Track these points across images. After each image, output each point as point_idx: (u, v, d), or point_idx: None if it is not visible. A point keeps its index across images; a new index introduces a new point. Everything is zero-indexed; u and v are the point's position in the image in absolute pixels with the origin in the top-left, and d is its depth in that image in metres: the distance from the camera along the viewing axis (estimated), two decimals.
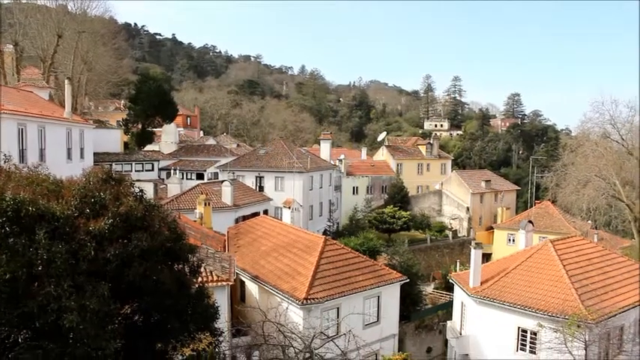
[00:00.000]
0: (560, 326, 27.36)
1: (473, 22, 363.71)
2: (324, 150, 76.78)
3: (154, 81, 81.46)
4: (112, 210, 13.94)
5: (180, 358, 16.41)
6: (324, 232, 59.61)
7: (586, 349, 25.89)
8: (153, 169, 68.80)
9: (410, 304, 45.87)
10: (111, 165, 56.63)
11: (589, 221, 67.49)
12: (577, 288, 31.13)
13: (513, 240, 67.28)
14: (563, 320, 27.97)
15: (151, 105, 74.34)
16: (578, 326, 26.24)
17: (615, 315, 29.64)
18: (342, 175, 78.06)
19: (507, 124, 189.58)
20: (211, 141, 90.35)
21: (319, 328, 24.04)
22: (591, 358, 26.08)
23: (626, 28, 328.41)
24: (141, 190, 15.79)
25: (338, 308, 29.78)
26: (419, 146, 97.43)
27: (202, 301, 16.53)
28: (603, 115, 65.78)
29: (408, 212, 72.65)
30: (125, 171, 58.12)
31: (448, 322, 40.92)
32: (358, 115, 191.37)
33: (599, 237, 62.85)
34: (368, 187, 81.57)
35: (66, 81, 50.13)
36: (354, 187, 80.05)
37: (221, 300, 25.44)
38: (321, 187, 68.12)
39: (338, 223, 74.41)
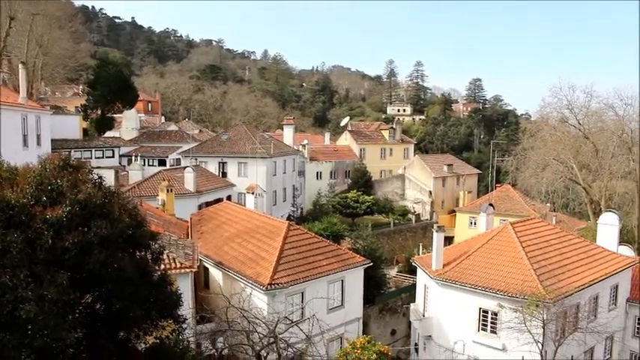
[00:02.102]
0: (519, 306, 28.03)
1: (435, 7, 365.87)
2: (287, 135, 76.59)
3: (114, 65, 79.71)
4: (69, 197, 13.61)
5: (143, 346, 16.22)
6: (288, 218, 59.61)
7: (544, 328, 26.59)
8: (113, 156, 67.57)
9: (374, 287, 46.30)
10: (70, 152, 55.36)
11: (548, 204, 69.06)
12: (536, 269, 31.87)
13: (475, 223, 68.34)
14: (522, 300, 28.64)
15: (110, 90, 72.78)
16: (537, 306, 26.91)
17: (572, 294, 30.47)
18: (306, 161, 78.01)
19: (469, 109, 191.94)
20: (173, 127, 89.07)
21: (283, 313, 24.09)
22: (549, 336, 26.78)
23: (586, 14, 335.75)
24: (100, 177, 15.46)
25: (302, 293, 29.89)
26: (382, 131, 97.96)
27: (165, 288, 16.34)
28: (561, 101, 67.49)
29: (371, 197, 73.12)
30: (85, 158, 56.95)
31: (411, 304, 41.43)
32: (321, 100, 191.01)
33: (557, 219, 64.40)
34: (331, 172, 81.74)
35: (20, 65, 48.71)
36: (317, 172, 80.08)
37: (184, 287, 25.23)
38: (284, 173, 68.03)
39: (302, 209, 74.47)
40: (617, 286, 36.93)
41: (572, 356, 29.25)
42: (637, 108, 62.96)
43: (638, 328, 38.15)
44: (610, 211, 43.12)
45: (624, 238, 49.45)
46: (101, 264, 13.53)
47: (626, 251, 41.46)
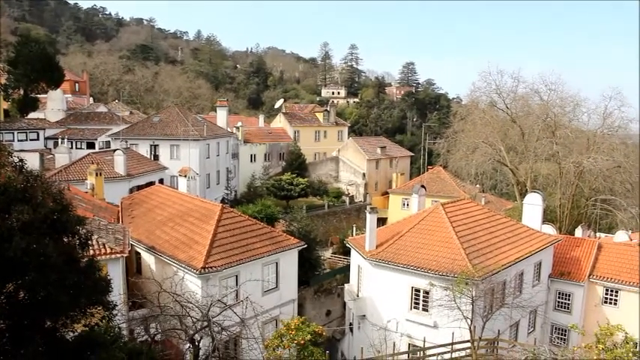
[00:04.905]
0: (449, 284, 28.81)
1: None
2: (221, 117, 75.71)
3: (37, 43, 76.24)
4: None
5: (71, 334, 15.72)
6: (222, 201, 59.05)
7: (473, 304, 27.46)
8: (38, 139, 64.72)
9: (309, 269, 46.66)
10: None
11: (477, 185, 71.21)
12: (465, 248, 32.89)
13: (407, 204, 69.69)
14: (452, 278, 29.47)
15: (33, 69, 69.53)
16: (466, 283, 27.73)
17: (499, 271, 31.65)
18: (240, 143, 77.32)
19: (402, 92, 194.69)
20: (102, 108, 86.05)
21: (217, 297, 23.90)
22: (477, 312, 27.70)
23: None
24: (21, 160, 14.76)
25: (236, 276, 29.77)
26: (316, 113, 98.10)
27: (93, 274, 15.84)
28: (490, 85, 69.58)
29: (305, 179, 73.40)
30: (6, 141, 54.29)
31: (346, 285, 41.95)
32: (255, 82, 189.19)
33: (486, 200, 66.59)
34: (266, 155, 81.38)
35: None
36: (251, 155, 79.53)
37: (115, 272, 24.66)
38: (218, 155, 67.26)
39: (236, 191, 73.96)
40: (540, 263, 38.62)
41: (498, 330, 30.40)
42: (562, 94, 65.75)
43: (558, 301, 40.17)
44: (534, 191, 44.84)
45: (547, 217, 51.82)
46: (23, 251, 12.96)
47: (549, 230, 43.52)
